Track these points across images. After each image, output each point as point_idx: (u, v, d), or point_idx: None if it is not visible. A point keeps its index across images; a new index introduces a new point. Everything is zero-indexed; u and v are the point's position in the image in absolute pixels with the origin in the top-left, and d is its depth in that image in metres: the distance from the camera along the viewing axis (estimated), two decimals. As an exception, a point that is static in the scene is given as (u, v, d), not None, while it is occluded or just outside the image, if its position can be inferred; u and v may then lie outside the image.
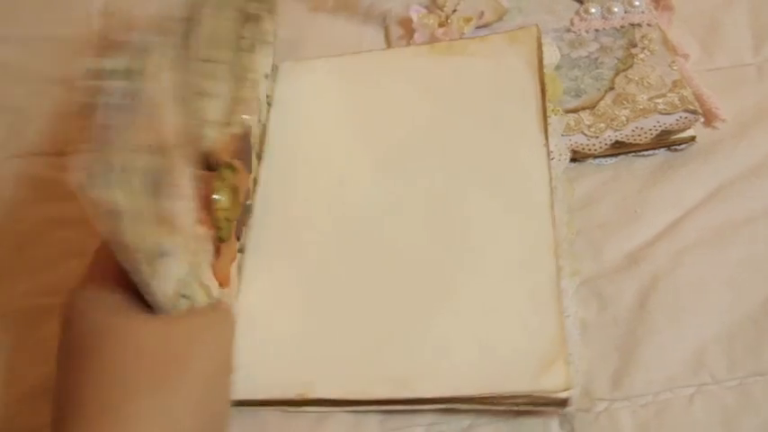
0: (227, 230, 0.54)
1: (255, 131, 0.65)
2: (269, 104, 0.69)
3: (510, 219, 0.61)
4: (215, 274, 0.53)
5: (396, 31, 0.77)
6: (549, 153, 0.63)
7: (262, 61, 0.67)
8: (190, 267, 0.48)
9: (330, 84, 0.71)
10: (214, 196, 0.53)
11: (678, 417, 0.55)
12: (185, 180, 0.47)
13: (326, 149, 0.68)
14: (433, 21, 0.74)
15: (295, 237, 0.63)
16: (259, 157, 0.66)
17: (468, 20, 0.74)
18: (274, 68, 0.71)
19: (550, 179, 0.62)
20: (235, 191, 0.55)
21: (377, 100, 0.70)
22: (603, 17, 0.73)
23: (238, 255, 0.60)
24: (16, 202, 0.58)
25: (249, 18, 0.61)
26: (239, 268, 0.60)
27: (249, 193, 0.60)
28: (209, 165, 0.53)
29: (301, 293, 0.60)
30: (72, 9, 0.64)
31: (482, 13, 0.75)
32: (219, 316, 0.50)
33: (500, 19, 0.75)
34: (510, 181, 0.63)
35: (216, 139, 0.53)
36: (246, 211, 0.61)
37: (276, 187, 0.65)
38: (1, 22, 0.59)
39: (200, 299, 0.49)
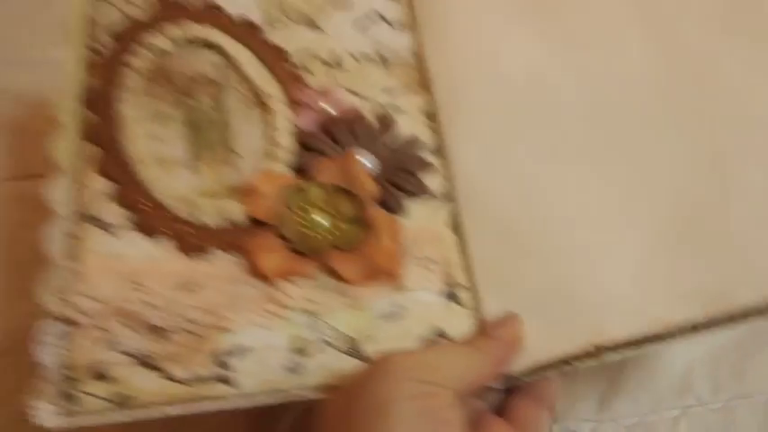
0: (350, 235, 0.49)
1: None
2: (410, 27, 0.59)
3: None
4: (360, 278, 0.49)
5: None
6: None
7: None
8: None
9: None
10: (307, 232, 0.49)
11: (664, 438, 0.56)
12: None
13: (502, 63, 0.56)
14: None
15: (511, 178, 0.53)
16: (428, 89, 0.56)
17: None
18: None
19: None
20: (329, 203, 0.50)
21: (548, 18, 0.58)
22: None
23: (446, 204, 0.52)
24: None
25: None
26: (456, 217, 0.52)
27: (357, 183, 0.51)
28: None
29: (552, 239, 0.51)
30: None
31: None
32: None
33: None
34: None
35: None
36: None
37: (463, 121, 0.55)
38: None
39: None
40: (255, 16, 0.58)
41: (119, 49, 0.55)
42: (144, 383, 0.45)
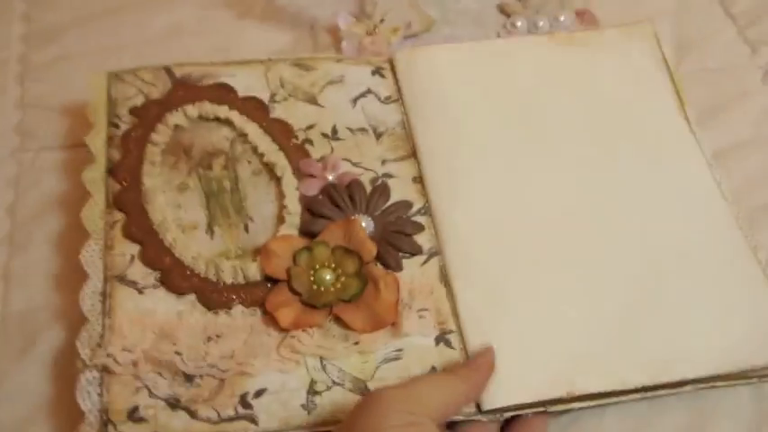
0: (353, 289, 0.55)
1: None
2: (396, 100, 0.67)
3: (683, 201, 0.63)
4: (369, 325, 0.54)
5: (324, 39, 0.75)
6: (696, 138, 0.66)
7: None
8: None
9: (458, 73, 0.68)
10: (317, 288, 0.55)
11: None
12: None
13: (477, 136, 0.65)
14: (360, 30, 0.74)
15: (487, 232, 0.60)
16: (414, 156, 0.63)
17: (395, 30, 0.74)
18: (389, 61, 0.69)
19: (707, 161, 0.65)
20: (335, 261, 0.56)
21: (512, 84, 0.68)
22: (529, 31, 0.76)
23: (435, 258, 0.59)
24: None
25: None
26: (444, 269, 0.58)
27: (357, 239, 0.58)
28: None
29: (524, 294, 0.58)
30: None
31: (409, 24, 0.75)
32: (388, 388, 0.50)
33: (428, 30, 0.76)
34: (668, 167, 0.65)
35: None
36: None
37: (446, 185, 0.62)
38: None
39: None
40: (263, 95, 0.65)
41: (140, 126, 0.62)
42: (175, 423, 0.51)
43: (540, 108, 0.67)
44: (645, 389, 0.55)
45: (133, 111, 0.63)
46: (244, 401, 0.52)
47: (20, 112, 0.69)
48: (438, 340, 0.55)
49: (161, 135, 0.61)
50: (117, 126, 0.62)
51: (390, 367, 0.54)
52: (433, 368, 0.54)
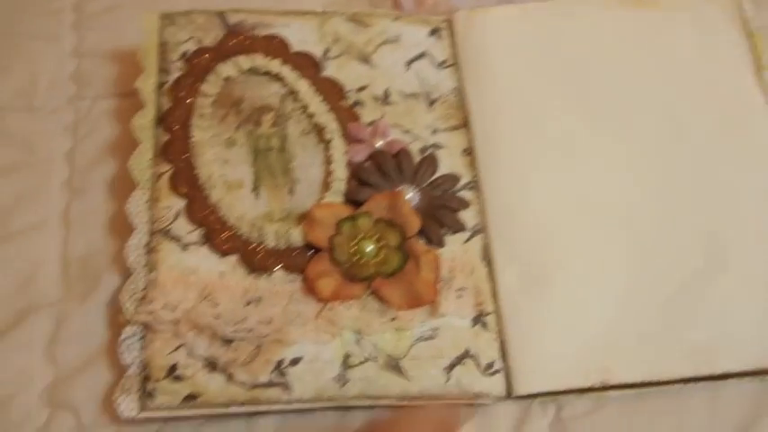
0: (394, 263, 0.55)
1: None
2: (452, 65, 0.65)
3: (754, 183, 0.61)
4: (406, 301, 0.55)
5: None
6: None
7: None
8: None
9: (519, 35, 0.67)
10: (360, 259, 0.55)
11: None
12: None
13: (535, 108, 0.63)
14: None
15: (536, 212, 0.59)
16: (466, 126, 0.62)
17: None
18: (447, 21, 0.67)
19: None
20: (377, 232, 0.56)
21: (575, 52, 0.66)
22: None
23: (479, 236, 0.59)
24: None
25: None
26: (487, 248, 0.58)
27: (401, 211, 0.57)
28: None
29: (565, 277, 0.58)
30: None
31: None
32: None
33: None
34: (738, 138, 0.62)
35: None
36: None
37: (496, 160, 0.61)
38: None
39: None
40: (316, 50, 0.64)
41: (191, 75, 0.61)
42: (211, 385, 0.52)
43: (604, 77, 0.65)
44: (684, 380, 0.55)
45: (185, 57, 0.62)
46: (279, 369, 0.53)
47: (75, 60, 0.69)
48: (474, 321, 0.56)
49: (212, 86, 0.61)
50: (168, 72, 0.62)
51: (424, 346, 0.54)
52: (467, 350, 0.54)
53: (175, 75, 0.62)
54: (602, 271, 0.57)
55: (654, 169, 0.61)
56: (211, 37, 0.63)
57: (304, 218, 0.57)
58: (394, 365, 0.54)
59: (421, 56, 0.65)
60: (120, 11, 0.71)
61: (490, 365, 0.54)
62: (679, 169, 0.61)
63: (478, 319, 0.56)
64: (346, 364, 0.53)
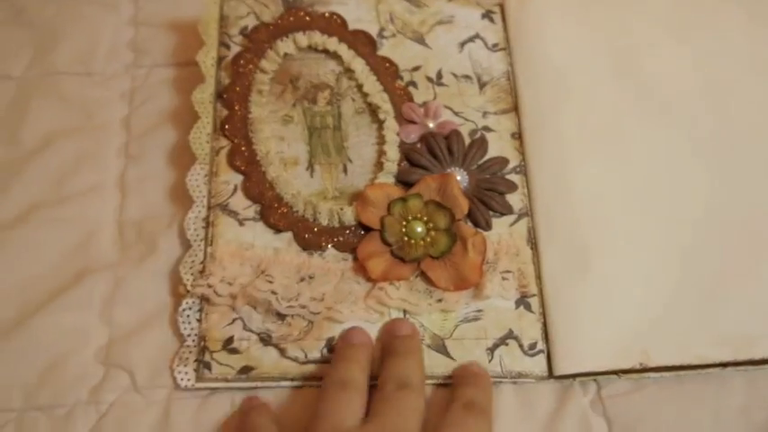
0: (442, 245, 0.57)
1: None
2: (504, 49, 0.66)
3: None
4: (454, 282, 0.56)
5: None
6: None
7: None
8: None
9: (570, 21, 0.67)
10: (410, 240, 0.57)
11: None
12: None
13: (584, 94, 0.64)
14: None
15: (580, 197, 0.60)
16: (516, 110, 0.63)
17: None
18: (500, 4, 0.68)
19: None
20: (425, 213, 0.58)
21: (629, 38, 0.66)
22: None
23: (524, 219, 0.60)
24: (45, 120, 0.63)
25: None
26: (532, 231, 0.60)
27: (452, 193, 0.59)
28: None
29: (607, 259, 0.58)
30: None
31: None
32: None
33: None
34: None
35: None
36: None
37: (544, 144, 0.62)
38: None
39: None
40: (372, 29, 0.65)
41: (250, 50, 0.62)
42: (265, 359, 0.54)
43: (658, 63, 0.65)
44: (724, 364, 0.56)
45: (244, 32, 0.64)
46: (330, 346, 0.55)
47: (132, 29, 0.70)
48: (518, 303, 0.57)
49: (270, 62, 0.62)
50: (227, 46, 0.63)
51: (468, 327, 0.56)
52: (510, 331, 0.56)
53: (235, 50, 0.63)
54: (642, 256, 0.58)
55: (701, 156, 0.62)
56: (270, 12, 0.65)
57: (357, 197, 0.59)
58: (439, 345, 0.55)
59: (474, 38, 0.66)
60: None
61: (533, 346, 0.56)
62: (727, 157, 0.62)
63: (522, 301, 0.57)
64: (394, 342, 0.56)
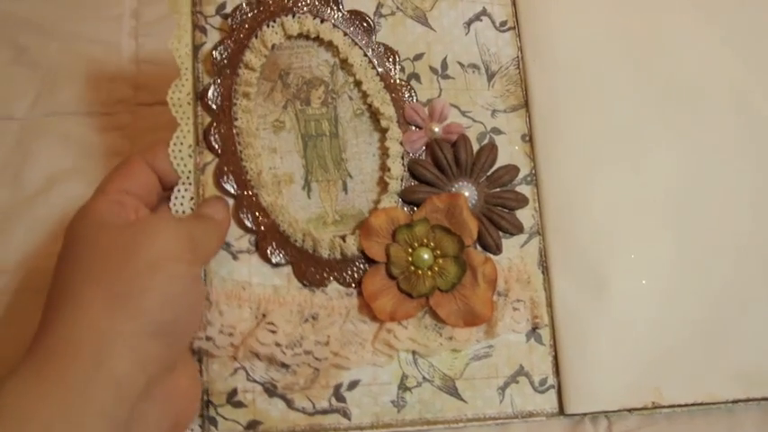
0: (451, 276, 0.52)
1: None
2: (513, 28, 0.58)
3: None
4: (464, 319, 0.53)
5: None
6: None
7: None
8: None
9: (586, 7, 0.59)
10: (413, 268, 0.52)
11: None
12: None
13: (601, 86, 0.58)
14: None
15: (596, 214, 0.56)
16: (526, 107, 0.57)
17: None
18: None
19: None
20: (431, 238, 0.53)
21: (647, 26, 0.59)
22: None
23: (536, 239, 0.56)
24: (48, 161, 0.60)
25: None
26: (543, 252, 0.56)
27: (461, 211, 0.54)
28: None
29: (621, 288, 0.55)
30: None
31: None
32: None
33: None
34: None
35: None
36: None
37: (556, 149, 0.56)
38: None
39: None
40: (369, 4, 0.56)
41: (231, 39, 0.53)
42: (271, 411, 0.51)
43: (678, 53, 0.59)
44: (735, 402, 0.55)
45: (222, 12, 0.54)
46: (337, 393, 0.51)
47: (134, 66, 0.64)
48: (529, 336, 0.54)
49: (256, 55, 0.53)
50: (204, 30, 0.53)
51: (479, 365, 0.53)
52: (521, 367, 0.54)
53: (213, 36, 0.53)
54: (658, 284, 0.55)
55: (728, 171, 0.57)
56: (252, -12, 0.54)
57: (359, 226, 0.53)
58: (450, 387, 0.53)
59: (480, 15, 0.58)
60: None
61: (543, 381, 0.54)
62: (752, 176, 0.57)
63: (533, 333, 0.54)
64: (403, 385, 0.52)
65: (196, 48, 0.54)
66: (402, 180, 0.54)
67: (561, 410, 0.54)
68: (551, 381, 0.54)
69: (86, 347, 0.42)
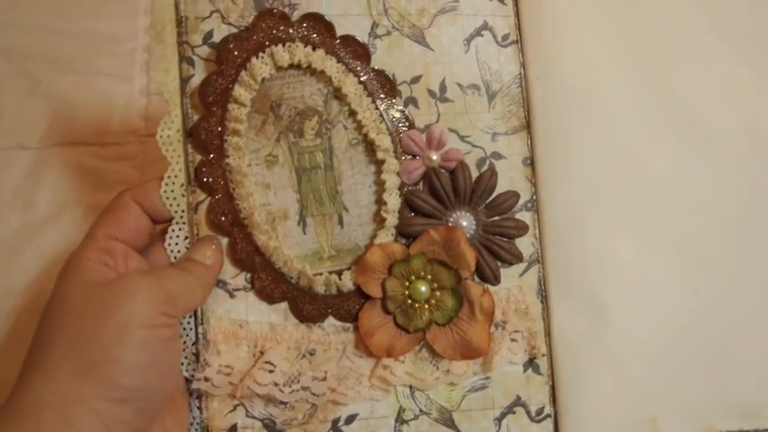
0: (448, 310, 0.52)
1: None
2: (515, 42, 0.55)
3: None
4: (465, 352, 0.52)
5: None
6: None
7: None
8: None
9: (587, 9, 0.56)
10: (412, 302, 0.52)
11: None
12: None
13: (606, 106, 0.55)
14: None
15: (596, 243, 0.54)
16: (528, 128, 0.55)
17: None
18: None
19: None
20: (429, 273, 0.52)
21: (656, 46, 0.56)
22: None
23: (535, 267, 0.54)
24: (59, 190, 0.59)
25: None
26: (542, 281, 0.55)
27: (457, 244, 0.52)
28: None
29: (621, 319, 0.54)
30: (120, 5, 0.60)
31: None
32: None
33: None
34: None
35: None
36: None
37: (558, 169, 0.54)
38: (51, 15, 0.56)
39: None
40: (363, 24, 0.53)
41: (220, 74, 0.51)
42: (270, 447, 0.52)
43: (691, 67, 0.55)
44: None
45: (209, 42, 0.51)
46: (335, 427, 0.52)
47: (144, 99, 0.63)
48: (526, 366, 0.54)
49: (246, 89, 0.51)
50: (191, 62, 0.52)
51: (476, 397, 0.53)
52: (518, 397, 0.54)
53: (200, 67, 0.52)
54: (657, 320, 0.54)
55: (730, 205, 0.55)
56: (238, 10, 0.52)
57: (355, 261, 0.52)
58: (447, 419, 0.53)
59: (481, 30, 0.54)
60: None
61: (540, 411, 0.54)
62: (760, 205, 0.55)
63: (530, 363, 0.54)
64: (401, 418, 0.53)
65: (183, 81, 0.52)
66: (398, 212, 0.53)
67: (557, 439, 0.54)
68: (548, 410, 0.54)
69: (53, 411, 0.43)
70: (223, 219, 0.51)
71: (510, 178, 0.54)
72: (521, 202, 0.54)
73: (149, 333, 0.45)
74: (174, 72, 0.52)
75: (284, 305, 0.52)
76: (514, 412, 0.54)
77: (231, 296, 0.52)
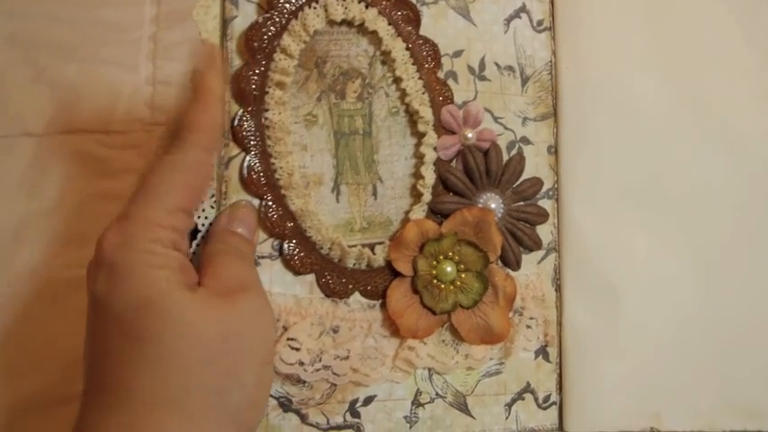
0: (473, 293, 0.50)
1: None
2: (548, 28, 0.55)
3: None
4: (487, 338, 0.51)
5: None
6: None
7: None
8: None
9: (622, 5, 0.55)
10: (435, 275, 0.49)
11: None
12: None
13: (634, 108, 0.55)
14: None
15: (613, 236, 0.54)
16: (555, 116, 0.54)
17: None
18: None
19: None
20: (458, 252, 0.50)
21: (686, 43, 0.56)
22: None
23: (552, 255, 0.54)
24: (64, 178, 0.55)
25: None
26: (558, 270, 0.54)
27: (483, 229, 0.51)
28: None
29: (631, 312, 0.54)
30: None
31: None
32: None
33: None
34: None
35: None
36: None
37: (580, 159, 0.54)
38: (56, 2, 0.53)
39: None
40: (415, -11, 0.50)
41: (269, 20, 0.46)
42: (284, 426, 0.47)
43: (725, 70, 0.56)
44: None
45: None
46: (352, 409, 0.49)
47: (150, 87, 0.55)
48: (537, 353, 0.53)
49: (296, 40, 0.46)
50: (235, 2, 0.46)
51: (490, 382, 0.52)
52: (528, 384, 0.53)
53: (246, 9, 0.46)
54: (668, 313, 0.55)
55: (750, 204, 0.56)
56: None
57: (386, 235, 0.49)
58: (461, 403, 0.51)
59: (520, 11, 0.53)
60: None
61: (547, 398, 0.53)
62: None
63: (541, 350, 0.53)
64: (417, 401, 0.50)
65: (225, 22, 0.46)
66: (432, 191, 0.50)
67: (561, 427, 0.54)
68: (554, 397, 0.54)
69: None
70: (257, 178, 0.46)
71: (536, 164, 0.53)
72: (544, 189, 0.53)
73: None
74: (215, 10, 0.46)
75: (310, 278, 0.48)
76: (524, 398, 0.53)
77: (256, 263, 0.47)
